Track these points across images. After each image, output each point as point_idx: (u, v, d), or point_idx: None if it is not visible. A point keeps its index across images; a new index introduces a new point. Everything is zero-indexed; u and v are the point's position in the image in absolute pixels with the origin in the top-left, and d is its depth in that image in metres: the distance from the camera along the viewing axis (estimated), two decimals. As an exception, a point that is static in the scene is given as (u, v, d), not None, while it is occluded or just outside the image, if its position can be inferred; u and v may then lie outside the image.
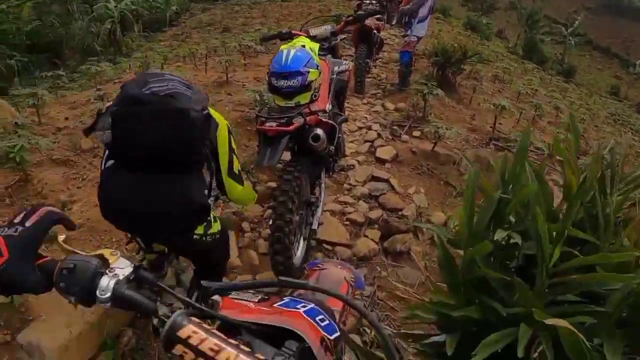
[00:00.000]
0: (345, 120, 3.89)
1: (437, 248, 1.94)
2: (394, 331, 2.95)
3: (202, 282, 0.96)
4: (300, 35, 3.69)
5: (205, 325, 0.81)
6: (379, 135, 5.73)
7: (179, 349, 0.79)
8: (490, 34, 21.28)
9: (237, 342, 0.79)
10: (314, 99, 3.02)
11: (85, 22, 15.73)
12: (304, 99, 2.97)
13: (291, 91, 2.93)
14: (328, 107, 3.23)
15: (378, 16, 7.40)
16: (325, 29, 3.90)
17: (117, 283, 0.90)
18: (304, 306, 1.04)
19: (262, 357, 0.77)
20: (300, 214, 3.16)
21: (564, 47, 27.01)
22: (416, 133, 5.90)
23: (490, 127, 6.56)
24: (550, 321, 1.37)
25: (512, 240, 1.78)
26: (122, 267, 0.94)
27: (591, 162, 1.76)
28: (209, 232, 2.13)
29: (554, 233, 1.64)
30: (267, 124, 2.85)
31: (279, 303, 1.05)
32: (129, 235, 2.36)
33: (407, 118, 6.29)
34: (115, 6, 15.73)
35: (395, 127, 5.99)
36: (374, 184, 4.65)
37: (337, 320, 1.14)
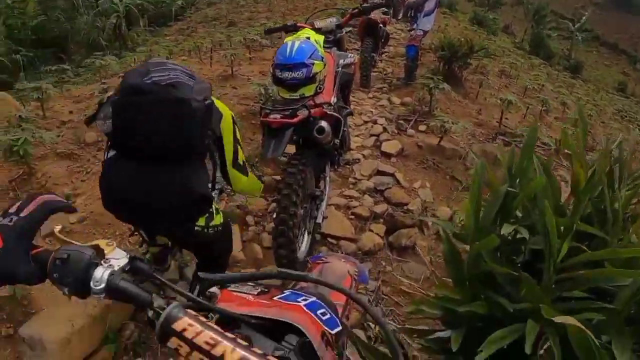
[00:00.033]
0: (351, 113, 3.85)
1: (443, 242, 1.92)
2: (399, 326, 2.93)
3: (199, 273, 0.93)
4: (305, 27, 3.66)
5: (202, 318, 0.78)
6: (385, 129, 5.69)
7: (173, 342, 0.77)
8: (497, 29, 21.16)
9: (234, 336, 0.76)
10: (319, 91, 2.99)
11: (90, 16, 15.74)
12: (308, 91, 2.93)
13: (295, 83, 2.89)
14: (333, 99, 3.19)
15: (384, 10, 7.36)
16: (330, 22, 3.87)
17: (112, 274, 0.87)
18: (305, 299, 1.01)
19: (259, 352, 0.74)
20: (304, 208, 3.13)
21: (571, 43, 26.85)
22: (422, 127, 5.85)
23: (497, 122, 6.51)
24: (559, 319, 1.34)
25: (518, 235, 1.76)
26: (118, 258, 0.92)
27: (599, 156, 1.73)
28: (210, 224, 2.11)
29: (562, 228, 1.61)
30: (271, 116, 2.82)
31: (279, 296, 1.02)
32: (132, 227, 2.35)
33: (413, 112, 6.24)
34: (120, 1, 15.74)
35: (401, 122, 5.95)
36: (380, 178, 4.63)
37: (339, 315, 1.11)
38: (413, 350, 2.58)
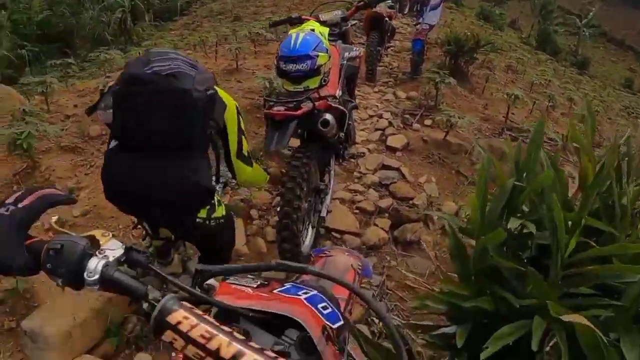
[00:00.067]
0: (356, 107, 3.83)
1: (449, 237, 1.89)
2: (403, 322, 2.91)
3: (196, 265, 0.91)
4: (310, 20, 3.63)
5: (197, 311, 0.76)
6: (390, 123, 5.66)
7: (168, 335, 0.74)
8: (503, 24, 21.01)
9: (230, 330, 0.74)
10: (324, 83, 2.96)
11: (95, 11, 15.70)
12: (313, 83, 2.91)
13: (300, 75, 2.87)
14: (338, 92, 3.17)
15: (390, 4, 7.31)
16: (335, 14, 3.84)
17: (107, 265, 0.85)
18: (306, 293, 0.98)
19: (256, 346, 0.72)
20: (308, 201, 3.11)
21: (578, 39, 26.62)
22: (428, 122, 5.81)
23: (503, 117, 6.46)
24: (567, 317, 1.31)
25: (525, 230, 1.73)
26: (113, 249, 0.90)
27: (608, 150, 1.70)
28: (212, 216, 2.09)
29: (570, 222, 1.58)
30: (275, 108, 2.79)
31: (279, 289, 1.00)
32: (135, 220, 2.34)
33: (419, 107, 6.21)
34: (126, -5, 15.70)
35: (407, 116, 5.91)
36: (385, 172, 4.60)
37: (342, 309, 1.09)
38: (417, 346, 2.56)
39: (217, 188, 2.49)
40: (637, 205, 1.79)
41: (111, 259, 0.88)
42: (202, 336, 0.71)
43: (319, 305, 0.96)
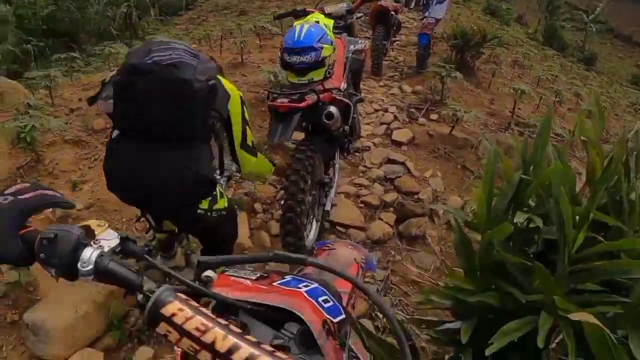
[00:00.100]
0: (361, 100, 3.80)
1: (454, 231, 1.87)
2: (407, 317, 2.88)
3: (192, 255, 0.89)
4: (314, 12, 3.60)
5: (193, 303, 0.73)
6: (396, 117, 5.63)
7: (162, 328, 0.71)
8: (510, 20, 20.88)
9: (227, 323, 0.71)
10: (328, 76, 2.93)
11: (101, 6, 15.67)
12: (317, 75, 2.88)
13: (304, 67, 2.84)
14: (343, 85, 3.14)
15: None
16: (341, 7, 3.82)
17: (101, 255, 0.83)
18: (307, 285, 0.96)
19: (252, 339, 0.69)
20: (313, 195, 3.09)
21: (585, 34, 26.42)
22: (433, 116, 5.79)
23: (510, 111, 6.42)
24: (576, 316, 1.29)
25: (531, 225, 1.71)
26: (109, 239, 0.88)
27: (616, 145, 1.67)
28: (214, 207, 2.07)
29: (577, 217, 1.55)
30: (279, 100, 2.77)
31: (279, 281, 0.97)
32: (139, 213, 2.32)
33: (425, 101, 6.17)
34: (131, -10, 15.67)
35: (413, 110, 5.88)
36: (390, 167, 4.58)
37: (344, 303, 1.06)
38: (421, 342, 2.53)
39: (221, 181, 2.47)
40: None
41: (106, 249, 0.86)
42: (197, 329, 0.69)
43: (320, 299, 0.93)
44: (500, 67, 9.00)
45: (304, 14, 3.63)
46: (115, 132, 1.96)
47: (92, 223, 0.89)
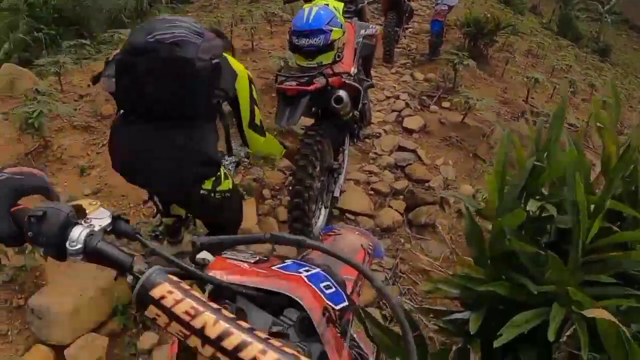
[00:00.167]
0: (372, 86, 3.74)
1: (465, 219, 1.82)
2: (415, 306, 2.84)
3: (185, 235, 0.85)
4: (325, -5, 3.54)
5: (185, 285, 0.68)
6: (407, 105, 5.57)
7: (151, 311, 0.67)
8: (524, 9, 20.60)
9: (219, 307, 0.67)
10: (338, 59, 2.87)
11: (112, -7, 15.67)
12: (326, 58, 2.82)
13: (313, 50, 2.79)
14: (353, 70, 3.08)
15: None
16: None
17: (91, 234, 0.80)
18: (308, 270, 0.91)
19: (245, 325, 0.64)
20: (321, 181, 3.05)
21: (600, 25, 26.03)
22: (445, 104, 5.71)
23: (523, 100, 6.34)
24: (590, 313, 1.24)
25: (544, 214, 1.65)
26: (100, 218, 0.84)
27: (633, 132, 1.61)
28: (217, 188, 2.04)
29: (592, 206, 1.49)
30: (287, 83, 2.72)
31: (279, 265, 0.93)
32: (146, 197, 2.31)
33: (437, 88, 6.09)
34: (143, -23, 15.62)
35: (424, 97, 5.81)
36: (401, 154, 4.54)
37: (349, 290, 1.02)
38: (429, 332, 2.49)
39: (227, 163, 2.43)
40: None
41: (97, 228, 0.82)
42: (187, 313, 0.64)
43: (322, 284, 0.89)
44: (513, 55, 8.88)
45: None
46: (120, 111, 1.95)
47: (84, 202, 0.85)
